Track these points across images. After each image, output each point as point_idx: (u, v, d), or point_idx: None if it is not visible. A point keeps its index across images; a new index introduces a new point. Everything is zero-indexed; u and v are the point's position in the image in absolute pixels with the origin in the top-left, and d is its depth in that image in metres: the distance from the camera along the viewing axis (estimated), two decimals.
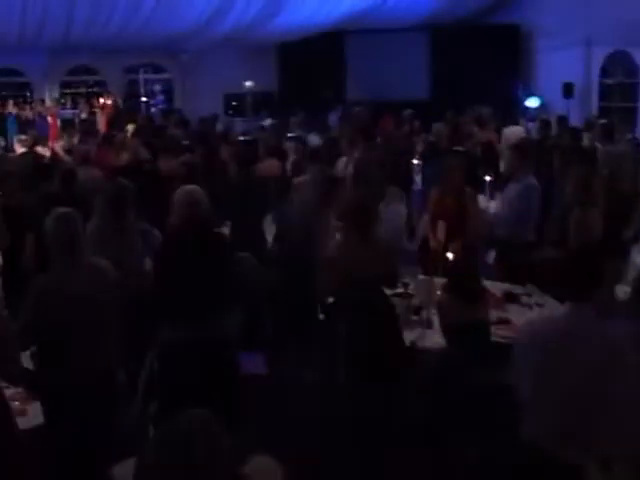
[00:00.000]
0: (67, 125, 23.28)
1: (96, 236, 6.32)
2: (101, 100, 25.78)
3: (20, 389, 5.06)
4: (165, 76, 28.58)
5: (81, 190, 8.80)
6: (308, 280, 6.04)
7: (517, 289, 7.24)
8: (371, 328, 5.68)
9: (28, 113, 25.17)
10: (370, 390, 5.65)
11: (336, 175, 7.99)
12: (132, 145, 11.31)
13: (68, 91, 27.92)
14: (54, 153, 12.80)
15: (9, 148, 14.72)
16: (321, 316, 6.25)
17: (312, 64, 24.94)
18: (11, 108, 25.00)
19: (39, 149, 12.31)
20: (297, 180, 9.43)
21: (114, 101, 25.86)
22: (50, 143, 15.19)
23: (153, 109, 26.41)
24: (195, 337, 5.37)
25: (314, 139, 13.76)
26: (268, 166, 10.22)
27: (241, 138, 14.63)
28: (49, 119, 24.74)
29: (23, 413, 4.85)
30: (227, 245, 5.92)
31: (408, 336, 6.05)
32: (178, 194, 5.76)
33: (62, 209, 5.17)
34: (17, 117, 24.72)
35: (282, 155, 11.61)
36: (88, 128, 18.55)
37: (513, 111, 20.82)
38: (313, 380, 6.21)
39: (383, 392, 5.65)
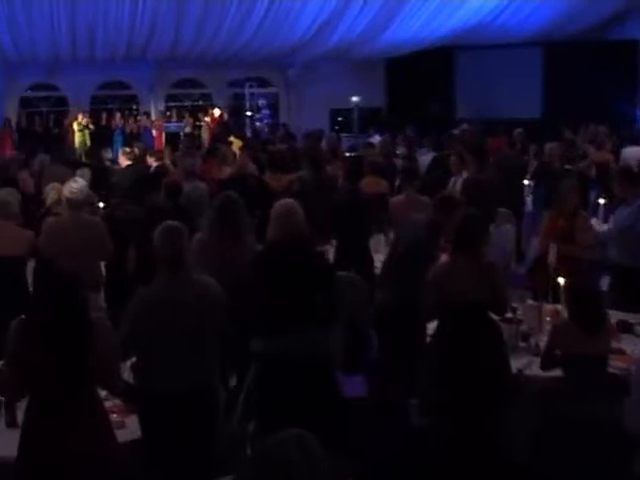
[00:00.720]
0: (172, 138, 23.81)
1: (201, 249, 6.43)
2: (216, 112, 26.12)
3: (118, 401, 5.16)
4: (271, 90, 28.88)
5: (186, 202, 8.98)
6: (416, 302, 6.00)
7: (632, 318, 7.05)
8: (476, 354, 5.61)
9: (134, 126, 25.74)
10: (472, 418, 5.58)
11: (452, 195, 7.92)
12: (241, 159, 11.41)
13: (173, 104, 28.49)
14: (160, 165, 13.05)
15: (115, 160, 15.09)
16: (427, 339, 6.21)
17: (421, 80, 24.89)
18: (118, 121, 25.61)
19: (150, 160, 12.52)
20: (395, 199, 9.43)
21: (220, 114, 26.25)
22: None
23: (258, 123, 26.71)
24: (290, 349, 5.42)
25: (424, 157, 13.71)
26: (374, 184, 10.23)
27: (347, 154, 14.71)
28: (154, 132, 25.28)
29: (121, 426, 4.92)
30: (323, 261, 5.94)
31: (515, 363, 5.96)
32: (275, 208, 5.87)
33: (170, 222, 5.28)
34: (123, 130, 25.30)
35: (390, 173, 11.60)
36: (192, 141, 18.89)
37: (631, 131, 20.37)
38: (415, 405, 6.17)
39: (486, 421, 5.58)
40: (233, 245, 6.44)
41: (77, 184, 7.82)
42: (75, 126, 24.90)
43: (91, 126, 25.17)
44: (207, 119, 26.05)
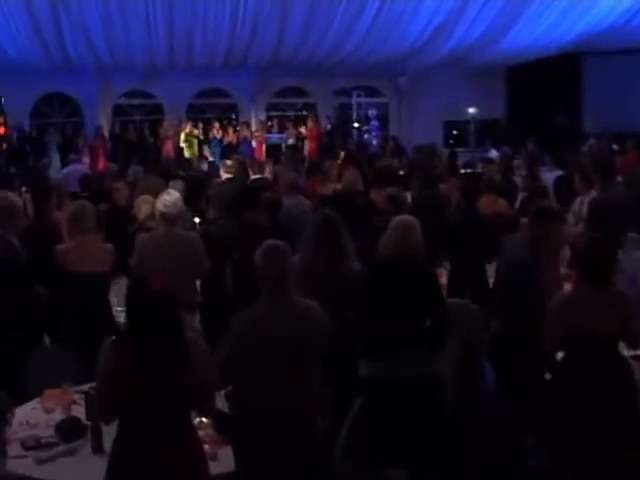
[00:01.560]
0: (273, 150, 24.00)
1: (301, 270, 6.48)
2: (309, 124, 26.26)
3: (211, 431, 5.22)
4: (380, 100, 28.93)
5: (287, 220, 9.06)
6: (532, 332, 5.94)
7: None
8: (603, 393, 5.53)
9: (232, 136, 26.04)
10: (597, 462, 5.49)
11: (548, 207, 7.82)
12: (350, 175, 11.35)
13: (275, 114, 28.75)
14: (260, 179, 13.18)
15: (213, 173, 15.31)
16: (547, 375, 6.13)
17: (545, 89, 24.62)
18: (216, 131, 25.94)
19: (252, 172, 12.65)
20: (525, 220, 9.32)
21: (314, 126, 26.34)
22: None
23: (366, 135, 26.75)
24: (399, 373, 5.43)
25: (548, 175, 13.54)
26: (492, 203, 10.12)
27: (462, 171, 14.63)
28: (254, 143, 25.54)
29: (213, 457, 4.93)
30: (434, 283, 5.95)
31: None
32: (392, 223, 5.93)
33: (272, 242, 5.33)
34: (221, 140, 25.63)
35: (509, 191, 11.49)
36: (295, 154, 19.03)
37: None
38: (533, 444, 6.09)
39: (612, 466, 5.48)
40: (332, 266, 6.47)
41: (171, 197, 7.82)
42: (182, 137, 25.42)
43: (201, 137, 25.60)
44: (307, 130, 26.20)
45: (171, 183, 10.74)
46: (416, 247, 5.81)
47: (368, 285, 5.85)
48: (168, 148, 25.13)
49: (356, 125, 27.02)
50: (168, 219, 7.75)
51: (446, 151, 18.08)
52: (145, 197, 9.02)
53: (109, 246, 7.75)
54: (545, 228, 6.88)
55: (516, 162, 15.17)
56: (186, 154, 24.59)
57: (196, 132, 25.69)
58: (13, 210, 7.52)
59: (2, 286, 7.05)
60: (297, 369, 5.08)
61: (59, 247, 7.64)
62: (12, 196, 8.02)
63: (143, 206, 8.90)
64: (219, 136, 25.94)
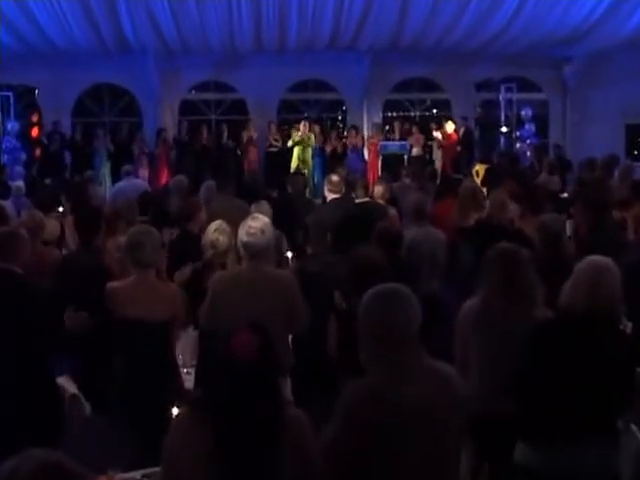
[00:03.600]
0: (392, 162, 23.90)
1: (476, 318, 6.63)
2: (449, 128, 26.07)
3: None
4: (537, 96, 28.70)
5: (409, 256, 9.01)
6: None
7: None
8: None
9: (337, 143, 25.98)
10: None
11: None
12: (495, 198, 11.18)
13: (395, 114, 28.72)
14: (370, 202, 13.14)
15: (317, 193, 15.31)
16: None
17: None
18: (316, 136, 25.85)
19: (359, 194, 12.61)
20: None
21: (456, 131, 26.17)
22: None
23: (518, 144, 26.53)
24: (575, 467, 5.35)
25: None
26: None
27: None
28: (366, 153, 25.49)
29: None
30: (627, 345, 5.88)
31: None
32: (581, 264, 6.01)
33: (390, 286, 5.25)
34: (322, 148, 25.58)
35: None
36: (422, 168, 18.95)
37: None
38: None
39: None
40: (517, 314, 6.49)
41: (257, 223, 7.77)
42: (294, 138, 25.67)
43: (311, 141, 25.64)
44: (440, 136, 26.01)
45: (253, 206, 10.67)
46: (611, 299, 5.78)
47: (540, 344, 5.81)
48: (252, 158, 25.24)
49: (504, 130, 26.78)
50: (253, 252, 7.69)
51: (630, 165, 17.71)
52: (218, 224, 8.92)
53: (173, 286, 7.75)
54: None
55: None
56: (293, 163, 24.74)
57: (313, 138, 25.82)
58: (17, 240, 7.68)
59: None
60: (429, 455, 4.99)
61: (110, 285, 7.67)
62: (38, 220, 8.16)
63: (221, 237, 8.85)
64: (320, 143, 25.96)
